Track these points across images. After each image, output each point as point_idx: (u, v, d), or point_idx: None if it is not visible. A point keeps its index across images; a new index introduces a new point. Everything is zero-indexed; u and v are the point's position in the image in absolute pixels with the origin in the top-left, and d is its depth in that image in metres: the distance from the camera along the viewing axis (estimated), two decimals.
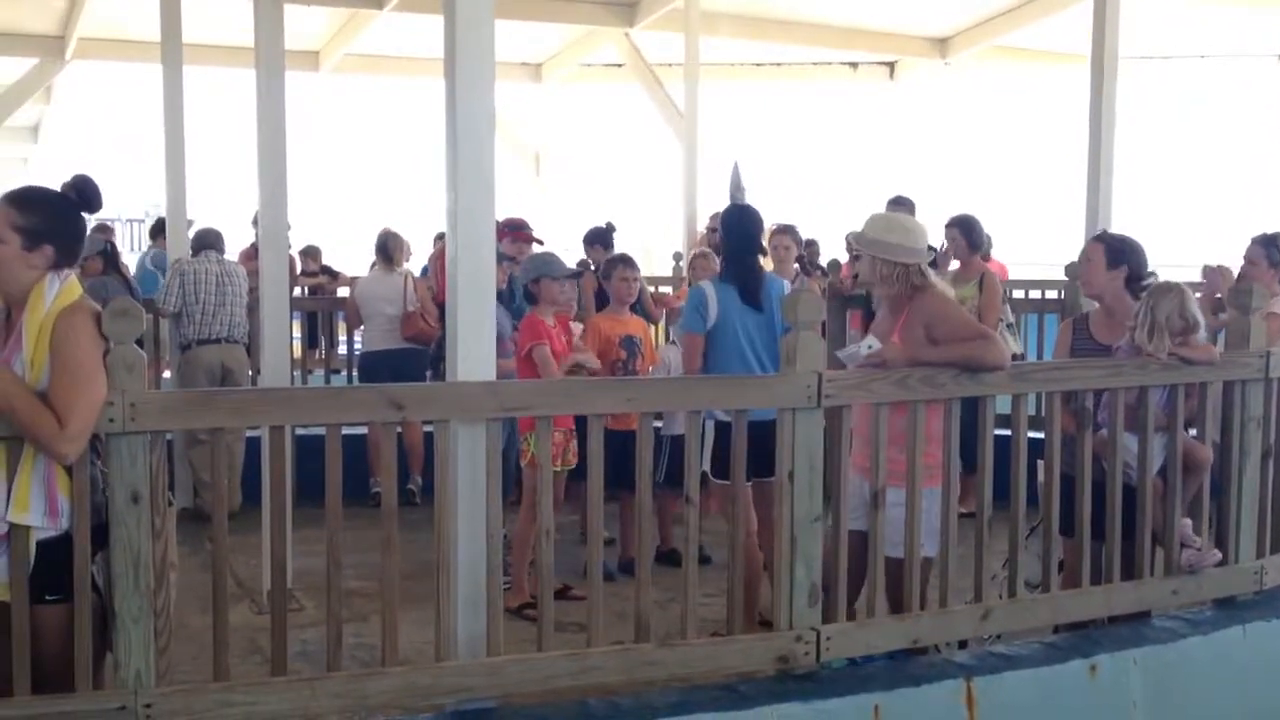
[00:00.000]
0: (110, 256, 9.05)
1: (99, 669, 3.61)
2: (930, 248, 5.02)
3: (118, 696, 3.56)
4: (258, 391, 5.79)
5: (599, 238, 9.86)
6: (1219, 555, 5.20)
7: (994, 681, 4.49)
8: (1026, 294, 10.38)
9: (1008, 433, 4.75)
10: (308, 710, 3.86)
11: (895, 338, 4.89)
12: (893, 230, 4.96)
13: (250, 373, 8.83)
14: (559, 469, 6.29)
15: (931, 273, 4.96)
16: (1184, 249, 15.62)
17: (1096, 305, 5.54)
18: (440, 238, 12.04)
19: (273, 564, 3.93)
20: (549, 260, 6.91)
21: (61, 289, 3.57)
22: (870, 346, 4.72)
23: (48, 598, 3.51)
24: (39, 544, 3.49)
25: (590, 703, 4.09)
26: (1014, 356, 7.88)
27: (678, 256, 12.19)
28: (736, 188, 6.78)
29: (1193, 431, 5.25)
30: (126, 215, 14.20)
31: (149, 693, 3.58)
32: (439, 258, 9.42)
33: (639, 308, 7.83)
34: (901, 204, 8.89)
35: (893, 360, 4.60)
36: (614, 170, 21.28)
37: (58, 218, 3.64)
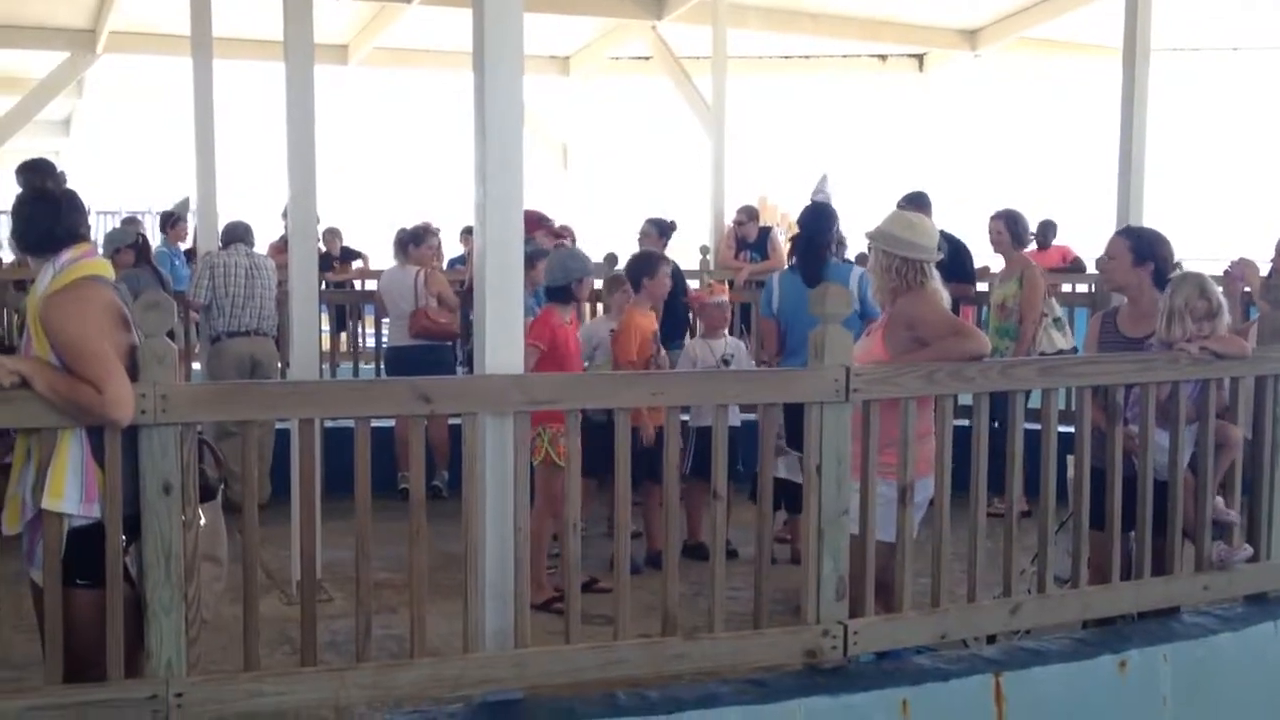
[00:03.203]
0: (141, 249, 9.09)
1: (136, 659, 3.65)
2: (940, 248, 5.05)
3: (149, 685, 3.59)
4: (287, 384, 5.81)
5: (665, 231, 10.00)
6: (1250, 551, 5.17)
7: (1023, 676, 4.47)
8: (1059, 288, 10.33)
9: (1037, 427, 4.73)
10: (337, 700, 3.89)
11: (879, 334, 4.90)
12: (902, 226, 5.00)
13: (279, 365, 8.88)
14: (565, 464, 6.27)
15: (935, 275, 4.96)
16: (1214, 243, 15.51)
17: (1125, 299, 5.51)
18: (468, 232, 12.09)
19: (302, 555, 3.95)
20: (582, 257, 6.94)
21: (61, 273, 3.63)
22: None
23: (79, 582, 3.55)
24: (72, 530, 3.54)
25: (617, 695, 4.10)
26: (1060, 352, 7.85)
27: (704, 250, 12.18)
28: (819, 191, 7.14)
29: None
30: (157, 209, 14.26)
31: (180, 682, 3.61)
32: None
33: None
34: (915, 201, 8.86)
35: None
36: (641, 163, 21.26)
37: (14, 206, 3.81)
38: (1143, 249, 5.35)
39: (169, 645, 3.60)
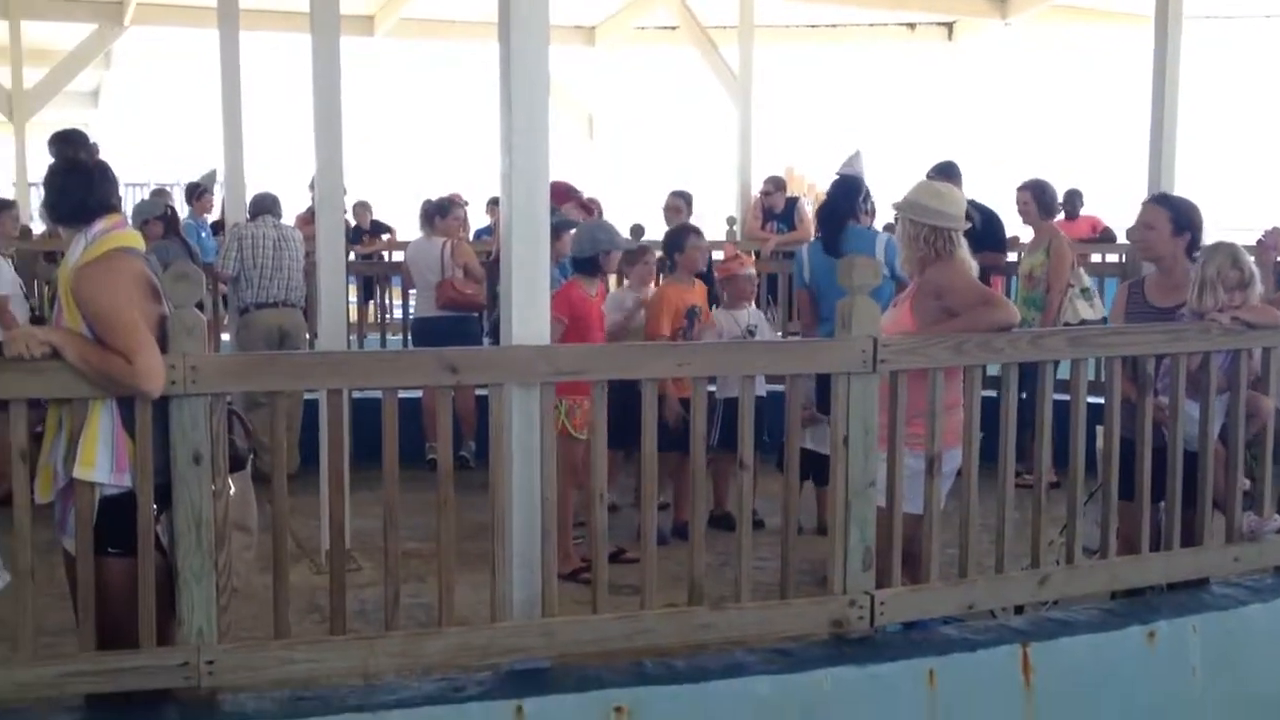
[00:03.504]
0: (170, 221, 9.13)
1: (168, 626, 3.69)
2: (969, 217, 5.02)
3: (181, 653, 3.63)
4: (315, 355, 5.85)
5: (690, 202, 10.07)
6: None
7: (1051, 647, 4.47)
8: (1089, 259, 10.25)
9: (1065, 398, 4.71)
10: (366, 668, 3.92)
11: (906, 304, 4.88)
12: (930, 195, 4.98)
13: (307, 336, 8.92)
14: (583, 436, 6.27)
15: (963, 244, 4.94)
16: (1246, 212, 15.35)
17: (1153, 269, 5.46)
18: (494, 203, 12.10)
19: (331, 525, 3.97)
20: (611, 230, 6.94)
21: (92, 244, 3.65)
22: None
23: (110, 550, 3.59)
24: (104, 499, 3.58)
25: (644, 664, 4.12)
26: (1084, 323, 7.81)
27: (731, 221, 12.15)
28: (848, 164, 7.25)
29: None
30: (185, 180, 14.31)
31: (211, 649, 3.64)
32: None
33: (707, 277, 7.86)
34: (945, 172, 8.81)
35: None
36: (667, 134, 21.19)
37: (46, 177, 3.83)
38: (1181, 219, 5.30)
39: (200, 613, 3.63)
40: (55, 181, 3.80)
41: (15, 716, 3.59)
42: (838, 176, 7.25)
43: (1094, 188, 13.01)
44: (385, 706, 3.76)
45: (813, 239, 7.25)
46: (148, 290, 3.65)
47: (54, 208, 3.79)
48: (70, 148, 3.80)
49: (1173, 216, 5.31)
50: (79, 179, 3.79)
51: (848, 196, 7.02)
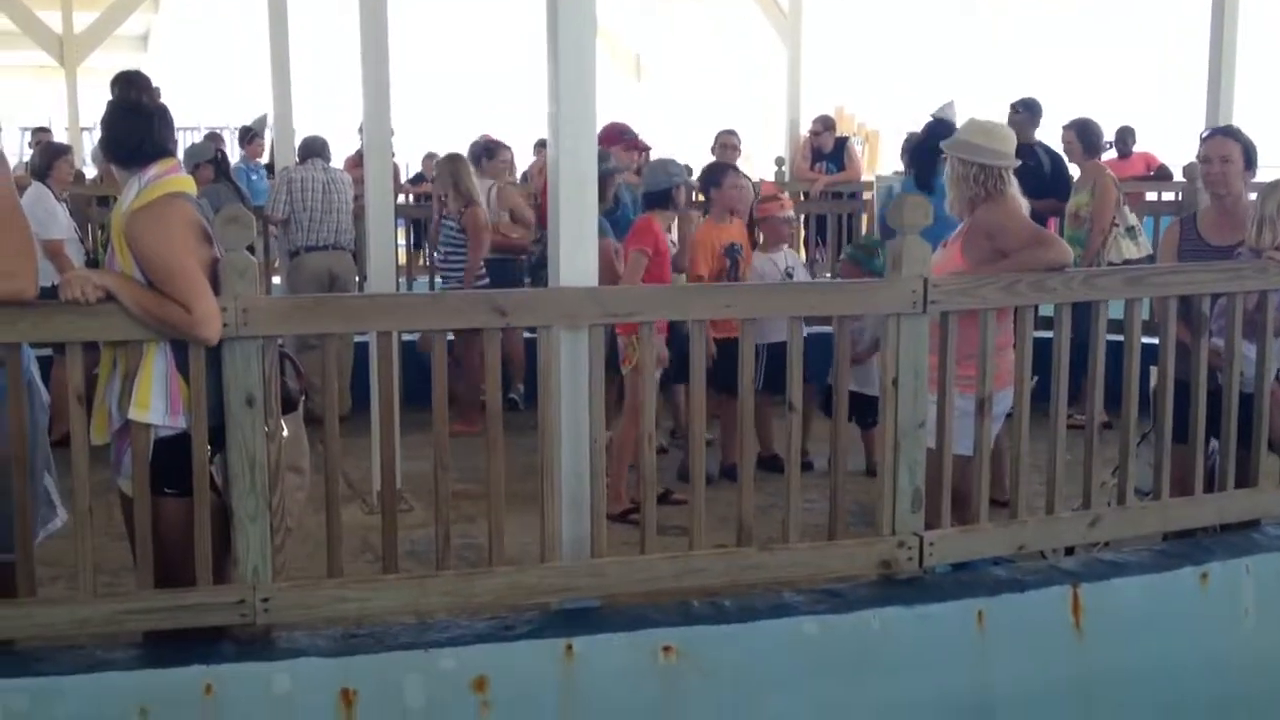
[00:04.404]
0: (221, 165, 9.17)
1: (223, 565, 3.75)
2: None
3: (237, 591, 3.69)
4: (365, 297, 5.88)
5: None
6: None
7: (1102, 588, 4.44)
8: (1143, 197, 10.09)
9: (1116, 339, 4.65)
10: (417, 606, 3.98)
11: (957, 245, 4.82)
12: (979, 133, 4.92)
13: (357, 279, 8.97)
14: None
15: (1014, 182, 4.87)
16: None
17: (1205, 205, 5.36)
18: (541, 145, 12.04)
19: (382, 466, 4.01)
20: (679, 164, 6.93)
21: (146, 188, 3.66)
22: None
23: (166, 490, 3.64)
24: (159, 441, 3.63)
25: (693, 604, 4.14)
26: (1127, 262, 7.70)
27: (779, 161, 12.05)
28: (941, 110, 7.43)
29: None
30: (235, 124, 14.37)
31: (266, 587, 3.70)
32: (541, 169, 9.40)
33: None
34: (1029, 108, 8.69)
35: None
36: (715, 74, 20.99)
37: (104, 115, 3.82)
38: (1251, 154, 5.21)
39: (255, 552, 3.69)
40: (115, 122, 3.80)
41: (75, 653, 3.67)
42: (932, 119, 7.37)
43: (1147, 124, 12.77)
44: (437, 644, 3.81)
45: (904, 176, 7.45)
46: (200, 234, 3.68)
47: (111, 149, 3.79)
48: (133, 90, 3.81)
49: (1244, 150, 5.22)
50: (139, 122, 3.79)
51: (942, 137, 7.04)
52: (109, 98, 4.03)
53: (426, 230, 11.70)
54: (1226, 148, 5.26)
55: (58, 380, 5.37)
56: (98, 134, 4.00)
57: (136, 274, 3.59)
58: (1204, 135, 5.54)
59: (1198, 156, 5.53)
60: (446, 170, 8.59)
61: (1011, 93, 9.30)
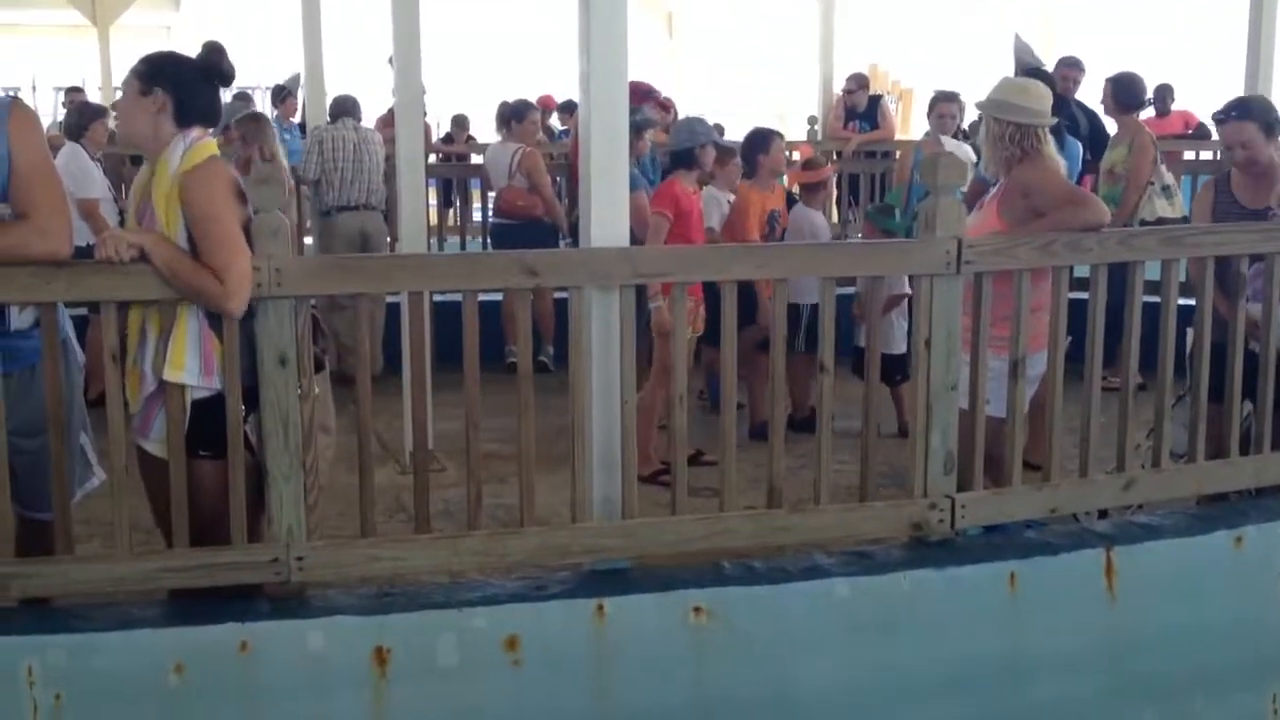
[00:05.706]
0: None
1: (257, 525, 3.78)
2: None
3: (271, 549, 3.72)
4: (396, 258, 5.89)
5: None
6: None
7: (1135, 551, 4.42)
8: (1180, 155, 9.97)
9: (1156, 299, 4.60)
10: (449, 566, 4.00)
11: (993, 205, 4.78)
12: (1014, 91, 4.87)
13: (388, 239, 8.97)
14: (689, 335, 6.28)
15: (1050, 141, 4.82)
16: None
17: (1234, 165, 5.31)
18: (569, 109, 12.00)
19: (414, 426, 4.03)
20: (707, 124, 6.87)
21: (190, 150, 3.66)
22: None
23: (201, 453, 3.66)
24: (194, 403, 3.64)
25: (724, 565, 4.15)
26: (1161, 221, 7.62)
27: (812, 120, 11.96)
28: (1025, 53, 6.98)
29: None
30: (266, 84, 14.36)
31: (300, 545, 3.73)
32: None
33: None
34: (1072, 64, 8.57)
35: None
36: (748, 32, 20.82)
37: (172, 66, 3.78)
38: (1269, 121, 5.15)
39: (289, 511, 3.71)
40: (196, 83, 3.78)
41: (112, 609, 3.71)
42: (1029, 70, 7.15)
43: (1189, 81, 12.60)
44: (469, 603, 3.83)
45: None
46: (238, 195, 3.69)
47: (181, 109, 3.76)
48: (219, 57, 3.85)
49: (1260, 125, 5.16)
50: (213, 90, 3.83)
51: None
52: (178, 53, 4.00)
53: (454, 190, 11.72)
54: (1242, 133, 5.21)
55: (93, 340, 5.41)
56: None
57: (181, 235, 3.59)
58: (1217, 118, 5.44)
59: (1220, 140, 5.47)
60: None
61: (1050, 51, 9.20)
